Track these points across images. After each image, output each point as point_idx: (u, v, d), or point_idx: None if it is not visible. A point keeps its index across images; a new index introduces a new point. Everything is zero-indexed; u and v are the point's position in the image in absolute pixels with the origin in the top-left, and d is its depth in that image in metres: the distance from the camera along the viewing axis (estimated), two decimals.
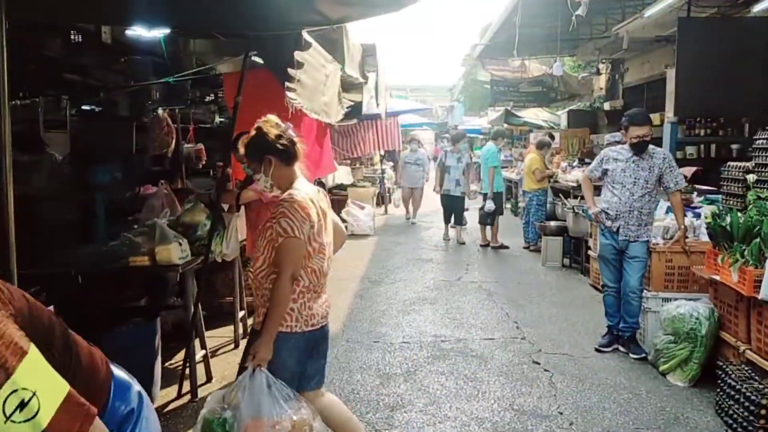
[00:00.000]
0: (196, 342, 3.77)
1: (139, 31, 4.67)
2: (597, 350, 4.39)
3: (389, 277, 6.83)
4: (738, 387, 3.10)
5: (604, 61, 11.82)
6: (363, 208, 10.01)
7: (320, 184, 7.65)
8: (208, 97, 6.80)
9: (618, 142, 5.16)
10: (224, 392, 2.23)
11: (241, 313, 4.64)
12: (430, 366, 4.14)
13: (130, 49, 4.93)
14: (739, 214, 3.76)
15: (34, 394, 0.90)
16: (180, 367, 3.79)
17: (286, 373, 2.34)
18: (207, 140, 7.01)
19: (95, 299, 3.78)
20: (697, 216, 4.80)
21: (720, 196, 5.48)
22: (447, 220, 9.11)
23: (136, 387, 1.31)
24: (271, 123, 2.42)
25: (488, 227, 8.60)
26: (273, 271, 2.30)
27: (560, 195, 8.07)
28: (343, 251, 8.63)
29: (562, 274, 7.04)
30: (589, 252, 6.24)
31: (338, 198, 10.04)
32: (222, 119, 7.95)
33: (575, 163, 9.47)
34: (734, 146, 7.27)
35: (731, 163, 5.24)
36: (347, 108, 9.16)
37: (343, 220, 9.50)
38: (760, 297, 3.24)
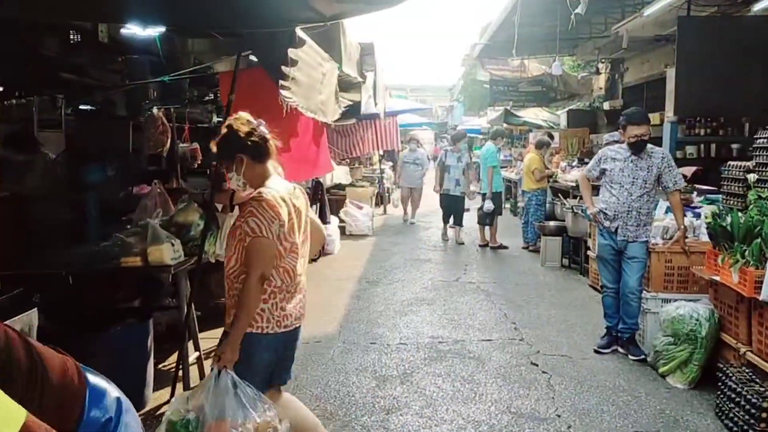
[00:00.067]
0: (190, 344, 3.72)
1: (133, 30, 4.64)
2: (596, 352, 4.34)
3: (387, 278, 6.78)
4: (739, 390, 3.05)
5: (603, 60, 11.78)
6: (361, 208, 9.96)
7: (318, 183, 7.62)
8: (207, 97, 6.76)
9: (616, 142, 5.11)
10: (189, 393, 2.20)
11: None
12: (426, 368, 4.09)
13: (127, 48, 4.90)
14: (740, 214, 3.71)
15: None
16: (173, 369, 3.74)
17: (257, 376, 2.30)
18: (203, 140, 6.96)
19: (88, 300, 3.74)
20: (697, 216, 4.75)
21: (720, 195, 5.44)
22: (446, 220, 9.06)
23: (114, 393, 1.26)
24: (242, 120, 2.37)
25: (487, 227, 8.55)
26: (243, 271, 2.26)
27: (559, 195, 8.02)
28: (341, 251, 8.64)
29: (561, 274, 6.99)
30: (589, 252, 6.19)
31: (336, 198, 10.00)
32: (220, 119, 7.91)
33: (575, 163, 9.42)
34: (734, 146, 7.23)
35: (731, 163, 5.19)
36: (345, 107, 9.15)
37: (341, 220, 9.50)
38: (761, 298, 3.19)
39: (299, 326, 2.47)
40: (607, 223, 4.27)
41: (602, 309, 4.51)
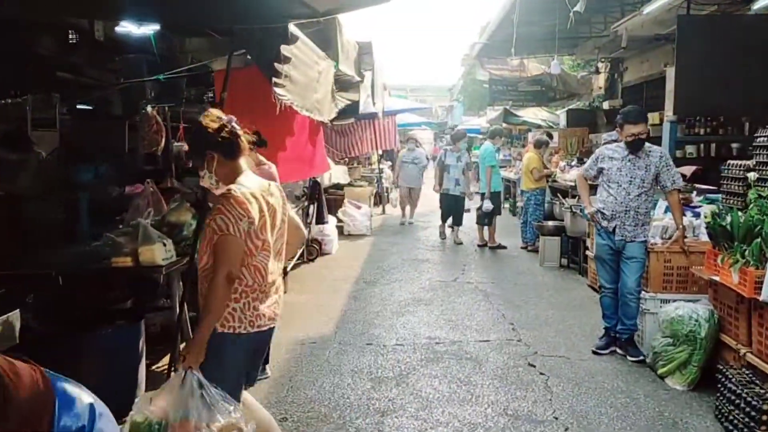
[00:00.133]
0: (182, 345, 3.67)
1: (127, 27, 4.60)
2: (594, 353, 4.30)
3: (385, 278, 6.73)
4: (738, 392, 3.00)
5: (603, 60, 11.73)
6: (359, 208, 9.91)
7: (316, 183, 7.56)
8: (205, 96, 6.71)
9: (615, 141, 5.07)
10: (153, 394, 2.16)
11: None
12: (423, 369, 4.05)
13: (123, 47, 4.87)
14: (740, 213, 3.66)
15: None
16: (167, 371, 3.70)
17: (230, 377, 2.27)
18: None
19: (79, 300, 3.70)
20: (697, 215, 4.70)
21: (720, 195, 5.39)
22: (444, 219, 8.98)
23: (87, 399, 1.21)
24: (212, 117, 2.34)
25: (486, 227, 8.50)
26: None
27: (558, 194, 7.98)
28: (338, 252, 8.58)
29: (560, 274, 6.94)
30: (587, 252, 6.15)
31: (334, 197, 9.94)
32: None
33: (574, 163, 9.37)
34: (734, 145, 7.18)
35: (731, 162, 5.14)
36: (343, 107, 9.11)
37: (339, 220, 9.45)
38: (761, 299, 3.14)
39: (273, 327, 2.42)
40: (604, 223, 4.22)
41: (601, 309, 4.46)
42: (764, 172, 4.59)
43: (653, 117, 8.64)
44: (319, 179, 7.96)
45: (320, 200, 7.64)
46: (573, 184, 7.57)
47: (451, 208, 8.81)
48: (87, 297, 3.69)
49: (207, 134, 2.30)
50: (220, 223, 2.15)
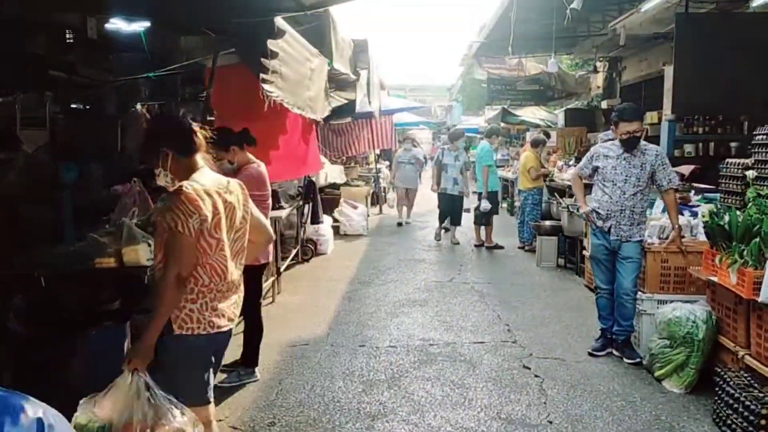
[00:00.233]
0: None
1: (118, 24, 4.54)
2: (590, 354, 4.22)
3: (380, 278, 6.66)
4: (737, 395, 2.93)
5: (601, 59, 11.67)
6: (356, 208, 9.83)
7: (311, 182, 7.48)
8: (199, 95, 6.64)
9: (611, 140, 5.00)
10: (98, 396, 2.09)
11: None
12: (416, 371, 3.97)
13: (117, 45, 4.81)
14: (738, 212, 3.59)
15: None
16: None
17: (195, 380, 2.21)
18: None
19: (65, 302, 3.63)
20: (695, 215, 4.63)
21: (718, 194, 5.32)
22: (442, 220, 8.86)
23: (34, 413, 1.12)
24: (167, 114, 2.30)
25: (483, 227, 8.42)
26: None
27: (555, 194, 7.91)
28: (334, 252, 8.49)
29: (557, 274, 6.87)
30: (584, 252, 6.06)
31: (331, 197, 9.86)
32: (212, 118, 7.78)
33: (571, 162, 9.31)
34: (733, 144, 7.12)
35: (730, 160, 5.08)
36: (339, 105, 9.04)
37: (336, 220, 9.37)
38: (760, 300, 3.07)
39: (231, 328, 2.36)
40: (600, 223, 4.14)
41: (596, 310, 4.39)
42: (763, 171, 4.52)
43: (652, 116, 8.58)
44: (314, 178, 7.88)
45: (315, 200, 7.57)
46: (570, 183, 7.50)
47: (449, 207, 8.69)
48: (72, 298, 3.62)
49: (161, 131, 2.26)
50: (170, 221, 2.08)
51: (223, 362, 3.98)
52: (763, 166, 4.61)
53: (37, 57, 4.45)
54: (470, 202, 8.89)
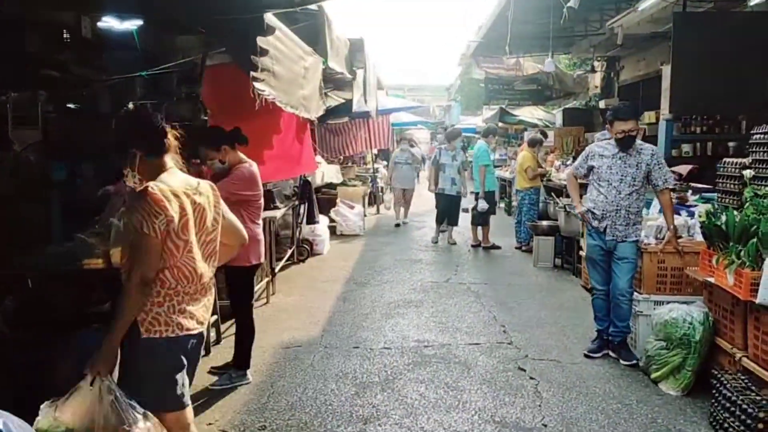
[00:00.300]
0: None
1: (110, 22, 4.50)
2: (586, 356, 4.18)
3: (376, 279, 6.61)
4: (733, 398, 2.89)
5: (599, 58, 11.65)
6: (353, 208, 9.79)
7: (306, 182, 7.44)
8: (194, 93, 6.59)
9: (608, 140, 4.96)
10: (60, 401, 2.05)
11: (213, 318, 4.40)
12: (410, 374, 3.92)
13: (110, 43, 4.78)
14: (736, 212, 3.55)
15: None
16: None
17: (166, 385, 2.16)
18: (186, 137, 6.78)
19: (55, 303, 3.58)
20: (692, 215, 4.59)
21: (716, 194, 5.28)
22: (439, 221, 8.74)
23: None
24: (138, 113, 2.26)
25: (480, 227, 8.38)
26: None
27: (552, 194, 7.86)
28: (330, 252, 8.44)
29: (554, 274, 6.83)
30: (581, 252, 6.02)
31: (327, 197, 9.81)
32: (206, 118, 7.73)
33: (569, 162, 9.26)
34: (731, 143, 7.09)
35: (727, 160, 5.04)
36: (338, 105, 8.98)
37: (332, 220, 9.32)
38: (757, 301, 3.02)
39: (202, 331, 2.31)
40: (595, 223, 4.10)
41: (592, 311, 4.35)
42: (761, 170, 4.48)
43: (649, 116, 8.55)
44: (310, 178, 7.84)
45: (311, 200, 7.52)
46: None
47: (447, 208, 8.61)
48: (61, 299, 3.57)
49: (131, 131, 2.22)
50: (135, 222, 2.05)
51: (215, 364, 3.99)
52: (760, 166, 4.57)
53: (30, 55, 4.41)
54: (467, 202, 8.84)
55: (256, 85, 3.29)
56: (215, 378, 3.77)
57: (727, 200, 4.82)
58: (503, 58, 13.34)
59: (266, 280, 5.63)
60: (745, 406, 2.79)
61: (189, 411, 2.30)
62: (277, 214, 5.99)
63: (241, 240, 2.57)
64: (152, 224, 2.04)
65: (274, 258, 6.05)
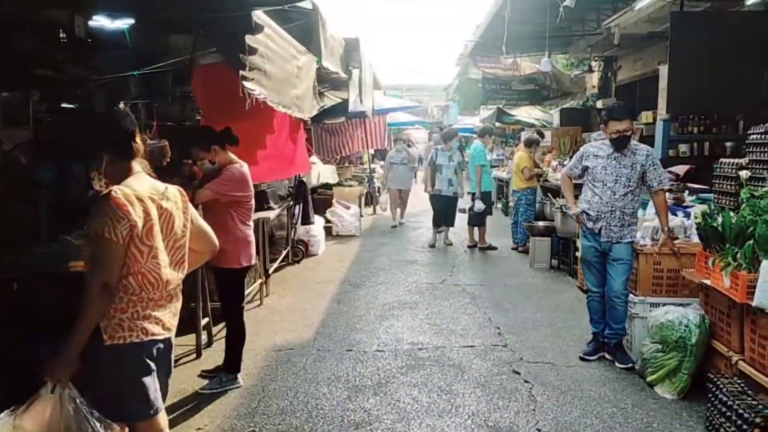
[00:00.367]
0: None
1: (100, 21, 4.45)
2: (581, 359, 4.13)
3: (371, 280, 6.56)
4: (730, 403, 2.84)
5: (596, 58, 11.61)
6: (349, 208, 9.74)
7: (301, 182, 7.39)
8: (189, 93, 6.54)
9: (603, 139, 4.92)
10: (20, 409, 2.00)
11: (204, 321, 4.36)
12: (403, 377, 3.88)
13: (104, 42, 4.73)
14: (732, 213, 3.50)
15: None
16: None
17: (134, 393, 2.11)
18: (177, 137, 6.73)
19: (40, 304, 3.52)
20: (688, 216, 4.54)
21: (712, 195, 5.24)
22: (436, 224, 8.60)
23: None
24: (108, 115, 2.22)
25: (476, 228, 8.33)
26: None
27: (549, 194, 7.82)
28: (325, 253, 8.38)
29: (550, 275, 6.78)
30: (577, 253, 5.97)
31: (323, 197, 9.76)
32: (198, 117, 7.68)
33: (566, 162, 9.22)
34: (728, 144, 7.04)
35: (724, 160, 4.99)
36: (334, 105, 8.92)
37: (328, 221, 9.27)
38: (753, 304, 2.98)
39: (169, 337, 2.27)
40: (590, 224, 4.05)
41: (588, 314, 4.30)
42: (757, 171, 4.44)
43: (647, 116, 8.51)
44: (306, 179, 7.79)
45: (306, 200, 7.47)
46: None
47: (444, 209, 8.52)
48: (48, 301, 3.51)
49: (99, 133, 2.19)
50: (96, 227, 2.01)
51: (206, 367, 3.93)
52: (757, 166, 4.53)
53: (23, 55, 4.36)
54: (464, 203, 8.78)
55: (246, 84, 3.25)
56: (205, 382, 3.72)
57: (723, 201, 4.78)
58: (500, 58, 13.30)
59: (260, 281, 5.58)
60: (741, 411, 2.75)
61: (162, 417, 2.25)
62: (272, 214, 5.94)
63: (211, 247, 2.52)
64: (114, 229, 2.00)
65: (268, 259, 6.00)
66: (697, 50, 6.25)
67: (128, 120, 2.23)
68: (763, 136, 4.56)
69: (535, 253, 7.14)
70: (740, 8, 6.64)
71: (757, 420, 2.67)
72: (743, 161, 4.69)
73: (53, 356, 2.03)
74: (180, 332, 4.50)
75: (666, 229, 3.97)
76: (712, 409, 3.05)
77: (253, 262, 3.86)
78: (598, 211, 3.99)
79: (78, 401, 1.97)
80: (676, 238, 4.17)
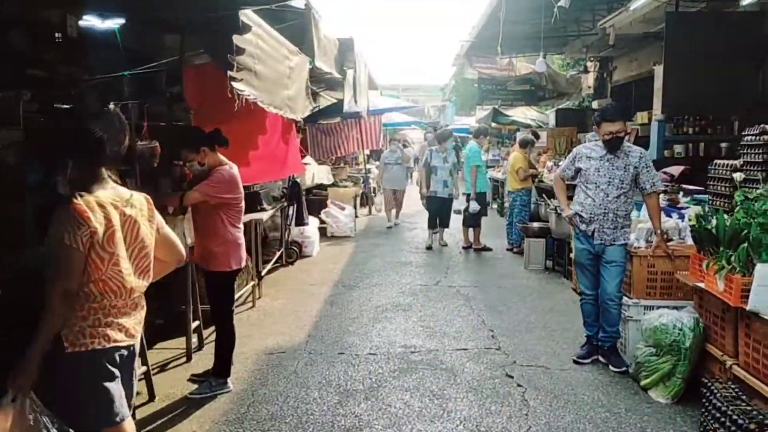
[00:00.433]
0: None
1: (91, 21, 4.39)
2: (575, 362, 4.10)
3: (364, 282, 6.52)
4: (724, 408, 2.81)
5: (592, 59, 11.59)
6: (343, 209, 9.69)
7: (295, 183, 7.34)
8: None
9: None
10: None
11: (194, 324, 4.31)
12: (395, 381, 3.83)
13: (96, 42, 4.68)
14: (726, 215, 3.47)
15: None
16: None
17: (97, 400, 2.06)
18: (167, 138, 6.67)
19: (30, 306, 3.47)
20: (683, 217, 4.51)
21: (707, 196, 5.21)
22: (432, 226, 8.53)
23: None
24: (78, 122, 2.19)
25: (471, 228, 8.29)
26: None
27: (544, 195, 7.79)
28: (319, 254, 8.33)
29: (544, 277, 6.75)
30: (572, 254, 5.95)
31: (318, 198, 9.71)
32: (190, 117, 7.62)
33: (561, 163, 9.20)
34: (723, 144, 7.03)
35: (718, 161, 4.96)
36: (329, 105, 8.87)
37: (322, 222, 9.22)
38: (748, 308, 2.95)
39: (133, 344, 2.23)
40: (583, 227, 4.02)
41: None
42: (751, 173, 4.41)
43: (642, 116, 8.49)
44: (300, 179, 7.74)
45: (300, 201, 7.42)
46: None
47: (439, 211, 8.47)
48: (38, 302, 3.46)
49: (67, 139, 2.18)
50: (56, 233, 2.00)
51: (196, 372, 3.88)
52: (751, 168, 4.50)
53: (14, 54, 4.31)
54: (459, 203, 8.75)
55: (235, 84, 3.20)
56: (194, 386, 3.67)
57: (718, 203, 4.75)
58: (496, 58, 13.23)
59: (252, 283, 5.53)
60: (735, 417, 2.72)
61: (128, 424, 2.21)
62: (265, 215, 5.89)
63: (177, 257, 2.48)
64: (74, 235, 1.98)
65: (261, 261, 5.95)
66: (693, 50, 6.23)
67: (97, 128, 2.17)
68: (757, 138, 4.53)
69: (530, 255, 7.11)
70: (735, 9, 6.63)
71: (752, 426, 2.63)
72: (737, 163, 4.66)
73: (14, 365, 1.98)
74: (170, 335, 4.50)
75: (659, 232, 3.93)
76: (706, 414, 3.02)
77: (243, 264, 3.81)
78: (591, 214, 3.96)
79: (39, 411, 1.93)
80: (671, 240, 4.14)
